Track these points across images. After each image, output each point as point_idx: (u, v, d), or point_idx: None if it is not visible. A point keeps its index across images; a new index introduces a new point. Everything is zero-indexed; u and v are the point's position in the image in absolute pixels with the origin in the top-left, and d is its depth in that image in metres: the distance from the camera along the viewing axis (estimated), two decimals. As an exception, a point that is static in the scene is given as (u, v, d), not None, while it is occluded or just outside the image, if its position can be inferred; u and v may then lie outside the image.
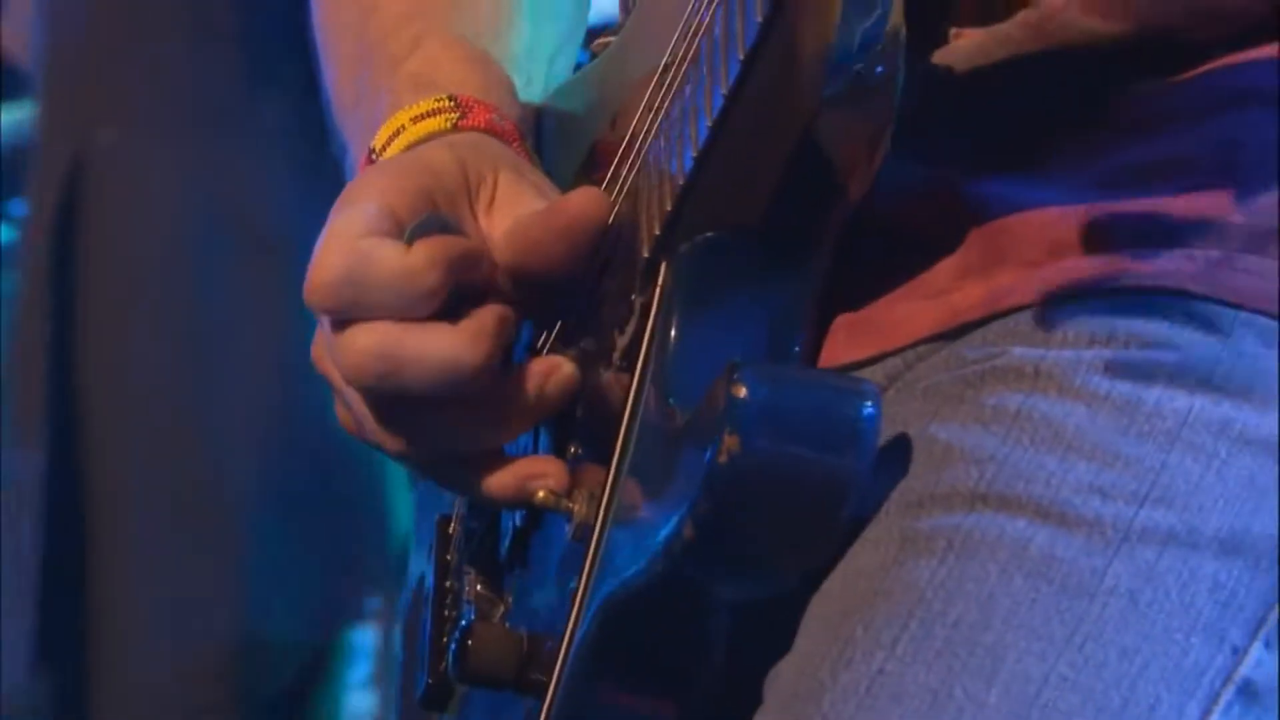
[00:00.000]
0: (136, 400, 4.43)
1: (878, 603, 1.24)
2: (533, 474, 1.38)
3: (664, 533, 1.23)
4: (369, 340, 1.33)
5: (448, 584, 1.55)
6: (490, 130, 1.46)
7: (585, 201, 1.38)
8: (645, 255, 1.35)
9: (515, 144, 1.47)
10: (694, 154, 1.29)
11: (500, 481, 1.38)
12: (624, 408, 1.32)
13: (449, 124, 1.45)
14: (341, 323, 1.35)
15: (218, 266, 4.36)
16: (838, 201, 1.30)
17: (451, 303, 1.35)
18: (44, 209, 4.45)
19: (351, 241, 1.34)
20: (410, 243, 1.33)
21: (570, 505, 1.36)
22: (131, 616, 4.43)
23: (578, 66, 1.68)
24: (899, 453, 1.28)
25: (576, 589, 1.33)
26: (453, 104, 1.46)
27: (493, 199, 1.40)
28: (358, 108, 1.54)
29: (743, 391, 1.19)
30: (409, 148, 1.45)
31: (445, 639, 1.50)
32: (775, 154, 1.29)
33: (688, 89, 1.32)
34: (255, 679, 4.47)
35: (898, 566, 1.25)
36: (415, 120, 1.46)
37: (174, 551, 4.39)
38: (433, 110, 1.46)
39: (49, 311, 4.43)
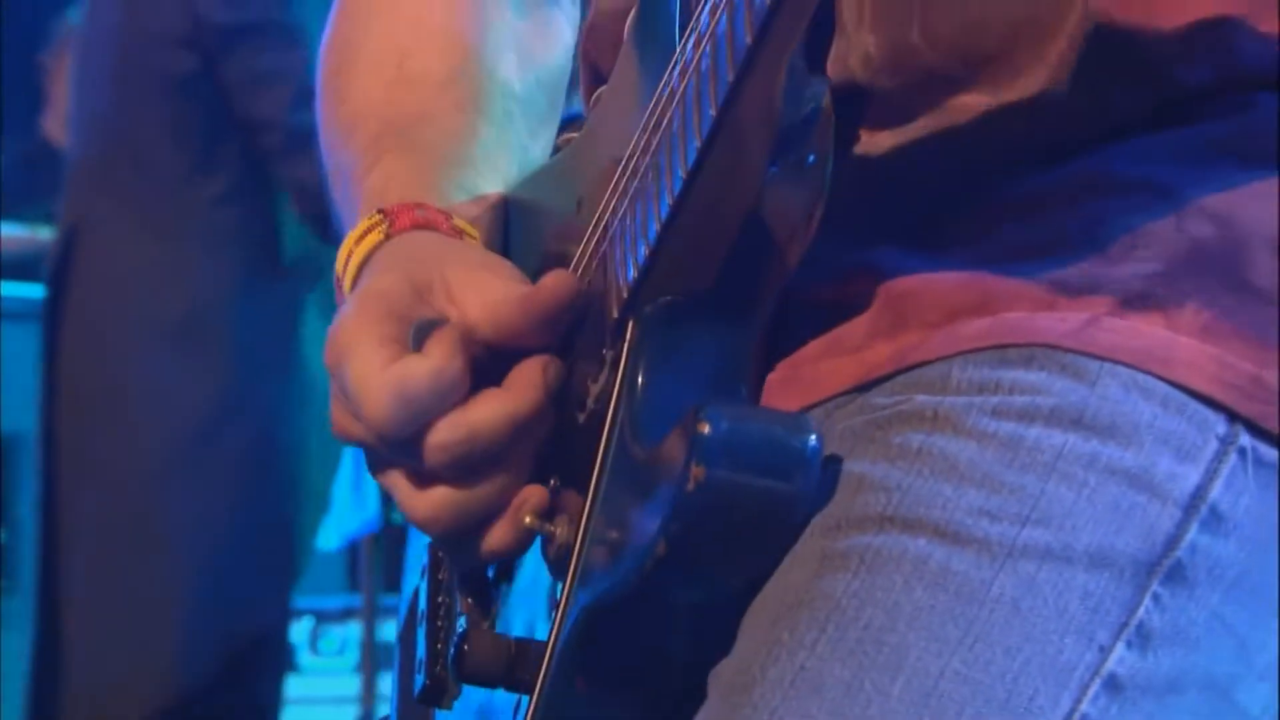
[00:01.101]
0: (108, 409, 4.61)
1: (801, 610, 1.26)
2: (520, 501, 1.40)
3: (638, 549, 1.27)
4: (443, 435, 1.36)
5: (440, 599, 1.55)
6: (416, 226, 1.48)
7: (557, 285, 1.40)
8: (615, 315, 1.37)
9: (444, 228, 1.49)
10: (657, 229, 1.32)
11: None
12: (598, 446, 1.35)
13: (382, 235, 1.47)
14: (417, 436, 1.37)
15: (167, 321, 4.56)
16: (778, 268, 1.31)
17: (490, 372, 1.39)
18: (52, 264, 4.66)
19: (380, 377, 1.36)
20: (419, 349, 1.36)
21: (552, 529, 1.39)
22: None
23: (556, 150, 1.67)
24: (830, 488, 1.30)
25: (559, 600, 1.36)
26: (381, 217, 1.48)
27: (449, 293, 1.41)
28: (342, 205, 1.58)
29: (706, 428, 1.22)
30: (360, 268, 1.47)
31: (440, 645, 1.51)
32: (726, 229, 1.31)
33: (650, 175, 1.34)
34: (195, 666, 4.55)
35: (818, 579, 1.27)
36: (357, 241, 1.48)
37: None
38: (368, 228, 1.48)
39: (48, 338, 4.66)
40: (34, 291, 5.43)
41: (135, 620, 4.52)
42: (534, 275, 1.49)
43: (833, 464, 1.31)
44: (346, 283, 1.49)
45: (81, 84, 4.78)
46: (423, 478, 1.39)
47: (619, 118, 1.46)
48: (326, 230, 4.42)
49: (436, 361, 1.36)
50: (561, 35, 1.72)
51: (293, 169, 4.34)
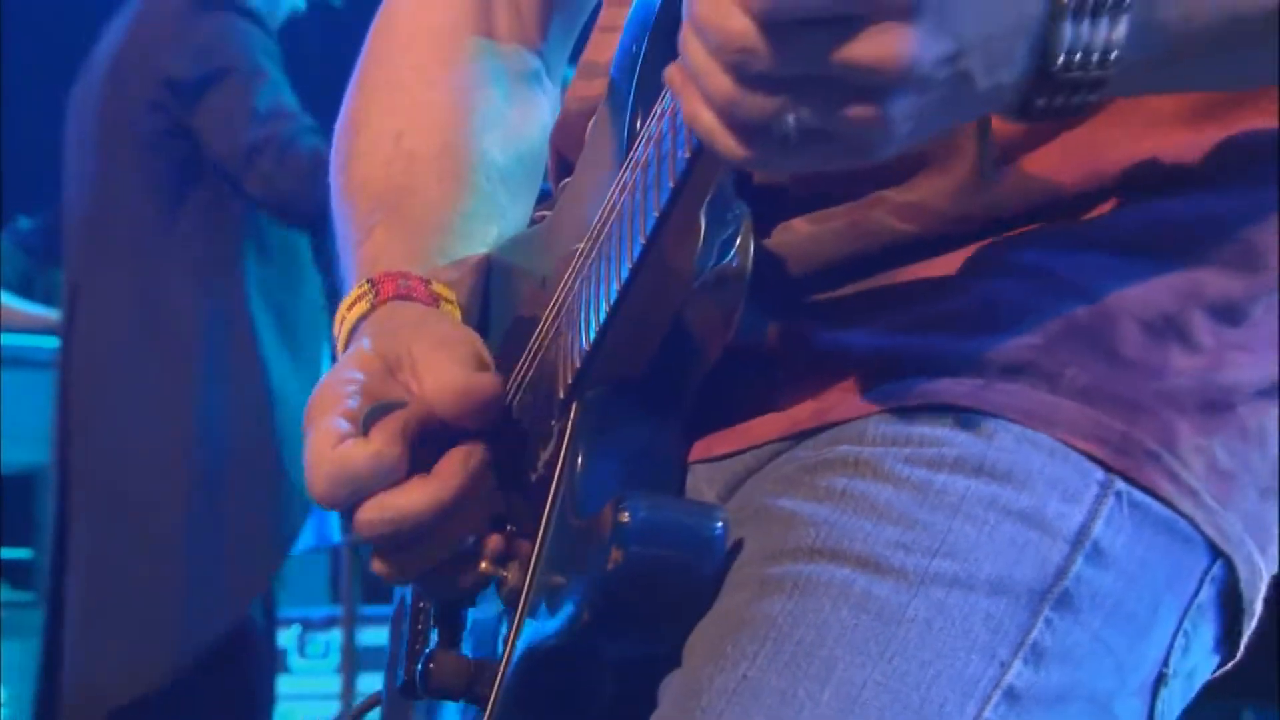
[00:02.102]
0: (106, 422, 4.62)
1: (743, 628, 1.26)
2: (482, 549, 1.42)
3: (568, 613, 1.30)
4: (373, 513, 1.38)
5: (421, 604, 1.56)
6: (397, 296, 1.49)
7: (485, 386, 1.42)
8: (561, 396, 1.39)
9: (422, 296, 1.50)
10: (596, 330, 1.35)
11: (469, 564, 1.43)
12: (545, 503, 1.37)
13: (369, 304, 1.49)
14: (350, 510, 1.39)
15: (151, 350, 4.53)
16: (700, 362, 1.34)
17: (424, 449, 1.40)
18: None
19: (329, 454, 1.38)
20: (367, 432, 1.38)
21: (504, 573, 1.41)
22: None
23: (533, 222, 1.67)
24: (759, 521, 1.32)
25: (508, 635, 1.38)
26: (369, 286, 1.50)
27: (414, 369, 1.42)
28: (347, 265, 1.58)
29: (625, 517, 1.25)
30: (350, 334, 1.49)
31: (418, 648, 1.52)
32: (656, 331, 1.33)
33: (594, 285, 1.36)
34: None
35: (758, 602, 1.27)
36: (349, 308, 1.50)
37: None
38: (357, 297, 1.50)
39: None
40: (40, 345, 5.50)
41: (130, 615, 4.52)
42: (508, 333, 1.52)
43: (767, 503, 1.32)
44: (340, 345, 1.51)
45: (71, 150, 4.78)
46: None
47: (578, 211, 1.47)
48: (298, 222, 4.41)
49: (376, 447, 1.37)
50: (541, 114, 1.72)
51: (257, 181, 4.41)
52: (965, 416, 1.32)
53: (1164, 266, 1.37)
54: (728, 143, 1.14)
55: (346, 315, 1.50)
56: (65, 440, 4.63)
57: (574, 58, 1.68)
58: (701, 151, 1.20)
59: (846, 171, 1.33)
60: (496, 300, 1.57)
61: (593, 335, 1.35)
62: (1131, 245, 1.37)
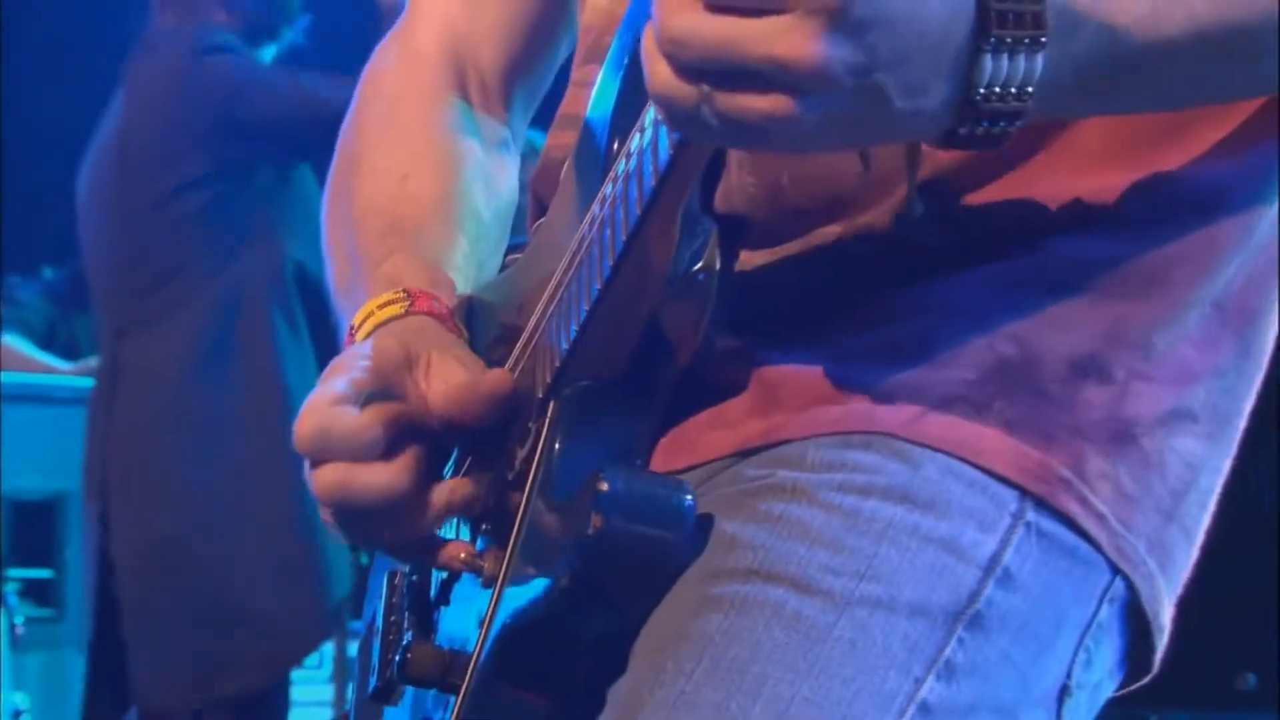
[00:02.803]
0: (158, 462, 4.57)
1: (683, 644, 1.26)
2: (451, 552, 1.42)
3: (545, 586, 1.29)
4: (330, 475, 1.38)
5: (392, 618, 1.56)
6: (429, 313, 1.49)
7: (497, 380, 1.41)
8: (540, 395, 1.38)
9: (447, 323, 1.50)
10: (577, 329, 1.34)
11: (434, 556, 1.43)
12: (521, 499, 1.36)
13: (402, 309, 1.49)
14: (315, 462, 1.40)
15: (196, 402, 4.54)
16: (671, 364, 1.33)
17: (400, 442, 1.39)
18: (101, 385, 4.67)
19: (323, 408, 1.39)
20: (362, 408, 1.39)
21: (481, 564, 1.40)
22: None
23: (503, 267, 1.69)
24: (701, 541, 1.31)
25: (484, 619, 1.36)
26: (405, 295, 1.50)
27: (428, 369, 1.42)
28: (348, 295, 1.56)
29: (605, 486, 1.24)
30: (376, 327, 1.50)
31: (390, 655, 1.52)
32: (632, 332, 1.33)
33: (574, 286, 1.36)
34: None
35: (697, 619, 1.27)
36: (380, 307, 1.50)
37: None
38: (391, 300, 1.50)
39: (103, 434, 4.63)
40: (79, 382, 5.46)
41: (177, 623, 4.53)
42: (486, 362, 1.51)
43: (705, 522, 1.31)
44: (360, 334, 1.51)
45: (100, 207, 4.75)
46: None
47: (554, 241, 1.47)
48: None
49: (361, 421, 1.38)
50: (511, 178, 1.73)
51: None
52: (898, 446, 1.32)
53: (1087, 306, 1.36)
54: (671, 126, 1.17)
55: (376, 312, 1.50)
56: (107, 464, 4.62)
57: (548, 115, 1.69)
58: (678, 155, 1.22)
59: (799, 208, 1.35)
60: (476, 333, 1.56)
61: (572, 335, 1.35)
62: (1060, 285, 1.36)
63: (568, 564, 1.27)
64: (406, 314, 1.49)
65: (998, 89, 1.13)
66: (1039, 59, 1.12)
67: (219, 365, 4.56)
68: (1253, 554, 2.66)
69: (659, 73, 1.13)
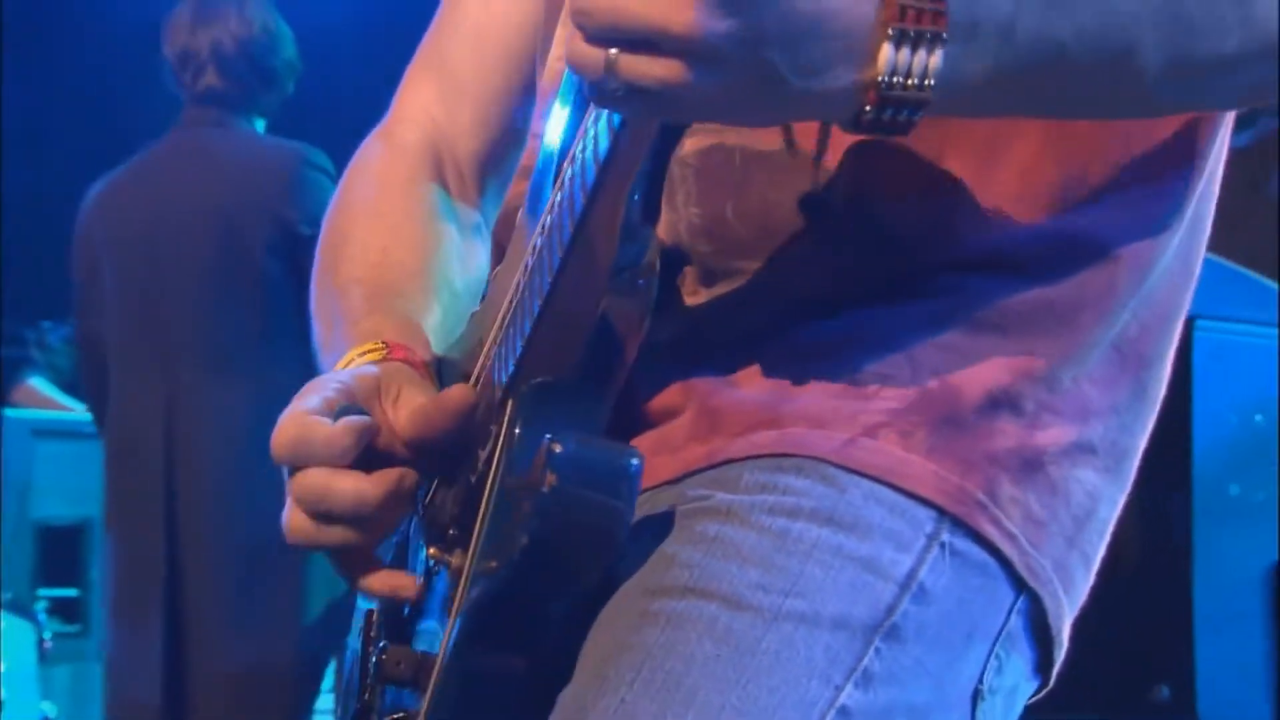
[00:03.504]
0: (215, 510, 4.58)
1: (623, 655, 1.26)
2: (398, 584, 1.43)
3: (509, 547, 1.26)
4: (309, 480, 1.37)
5: (370, 650, 1.55)
6: (405, 361, 1.48)
7: (459, 393, 1.41)
8: (499, 397, 1.38)
9: (420, 371, 1.49)
10: (529, 330, 1.35)
11: (381, 580, 1.43)
12: (484, 493, 1.35)
13: (381, 356, 1.48)
14: (293, 469, 1.39)
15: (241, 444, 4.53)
16: (620, 359, 1.31)
17: (373, 462, 1.38)
18: (147, 427, 4.66)
19: (300, 418, 1.38)
20: (335, 419, 1.37)
21: (449, 559, 1.39)
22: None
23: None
24: (642, 558, 1.31)
25: (452, 602, 1.35)
26: (384, 345, 1.49)
27: (397, 399, 1.42)
28: (330, 351, 1.56)
29: (558, 447, 1.23)
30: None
31: (367, 679, 1.51)
32: (580, 329, 1.31)
33: (526, 295, 1.37)
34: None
35: (636, 632, 1.27)
36: (361, 354, 1.49)
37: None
38: (372, 349, 1.49)
39: (161, 461, 4.62)
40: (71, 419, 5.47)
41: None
42: None
43: (649, 538, 1.32)
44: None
45: (135, 267, 4.74)
46: (294, 504, 1.40)
47: (507, 275, 1.48)
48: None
49: (334, 431, 1.36)
50: (481, 259, 1.72)
51: None
52: (826, 471, 1.32)
53: (1001, 341, 1.37)
54: (587, 94, 1.18)
55: (356, 359, 1.49)
56: (173, 495, 4.62)
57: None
58: (609, 159, 1.24)
59: (740, 239, 1.36)
60: (445, 382, 1.55)
61: (526, 337, 1.35)
62: (977, 322, 1.36)
63: (524, 526, 1.25)
64: (385, 359, 1.49)
65: (899, 78, 1.12)
66: (939, 54, 1.12)
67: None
68: (1166, 581, 2.67)
69: (572, 42, 1.14)
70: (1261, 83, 1.26)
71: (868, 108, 1.14)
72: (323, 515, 1.39)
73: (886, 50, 1.12)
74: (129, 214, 4.73)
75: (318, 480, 1.38)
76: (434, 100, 1.74)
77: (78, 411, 5.88)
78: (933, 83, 1.13)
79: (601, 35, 1.12)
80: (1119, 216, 1.39)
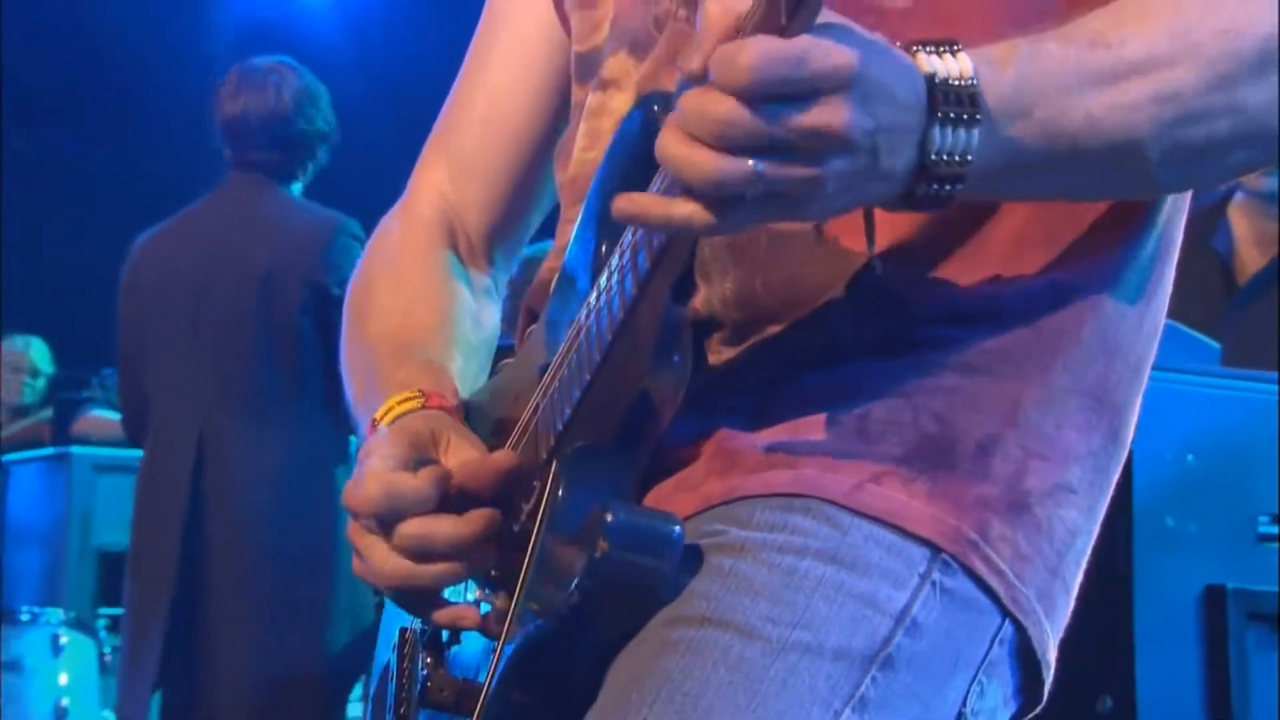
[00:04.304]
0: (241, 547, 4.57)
1: (645, 679, 1.26)
2: (460, 614, 1.42)
3: (559, 600, 1.27)
4: (410, 529, 1.37)
5: (405, 664, 1.53)
6: (441, 409, 1.48)
7: (503, 456, 1.41)
8: (544, 457, 1.38)
9: (454, 416, 1.49)
10: (576, 401, 1.35)
11: (447, 614, 1.43)
12: (528, 543, 1.35)
13: (419, 405, 1.48)
14: (385, 524, 1.38)
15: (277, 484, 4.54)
16: (655, 426, 1.32)
17: (442, 505, 1.38)
18: (177, 463, 4.62)
19: (383, 477, 1.38)
20: (416, 472, 1.38)
21: (494, 599, 1.39)
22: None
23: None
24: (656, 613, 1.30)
25: (496, 646, 1.35)
26: (420, 394, 1.48)
27: (447, 447, 1.42)
28: (365, 402, 1.55)
29: (609, 516, 1.24)
30: (397, 418, 1.48)
31: (404, 694, 1.50)
32: (621, 401, 1.32)
33: (570, 370, 1.37)
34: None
35: (657, 659, 1.27)
36: (400, 403, 1.48)
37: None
38: (410, 397, 1.48)
39: (186, 496, 4.61)
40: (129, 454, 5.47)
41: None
42: (488, 448, 1.48)
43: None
44: (384, 424, 1.50)
45: (178, 317, 4.75)
46: (391, 551, 1.39)
47: (545, 340, 1.48)
48: None
49: (419, 482, 1.37)
50: (492, 318, 1.73)
51: None
52: (831, 513, 1.32)
53: (992, 388, 1.37)
54: (704, 217, 1.15)
55: (396, 407, 1.49)
56: (201, 530, 4.63)
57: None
58: (661, 256, 1.24)
59: (767, 307, 1.36)
60: (475, 429, 1.54)
61: (574, 403, 1.35)
62: (971, 369, 1.37)
63: (578, 584, 1.26)
64: (423, 407, 1.49)
65: (944, 156, 1.16)
66: (975, 132, 1.16)
67: (317, 457, 4.60)
68: (1111, 603, 2.68)
69: (705, 158, 1.12)
70: (1249, 162, 1.29)
71: (919, 183, 1.17)
72: (424, 556, 1.38)
73: (934, 132, 1.15)
74: (173, 265, 4.73)
75: (422, 527, 1.37)
76: (445, 178, 1.74)
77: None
78: (971, 159, 1.16)
79: (751, 144, 1.11)
80: (1090, 275, 1.40)
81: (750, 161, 1.11)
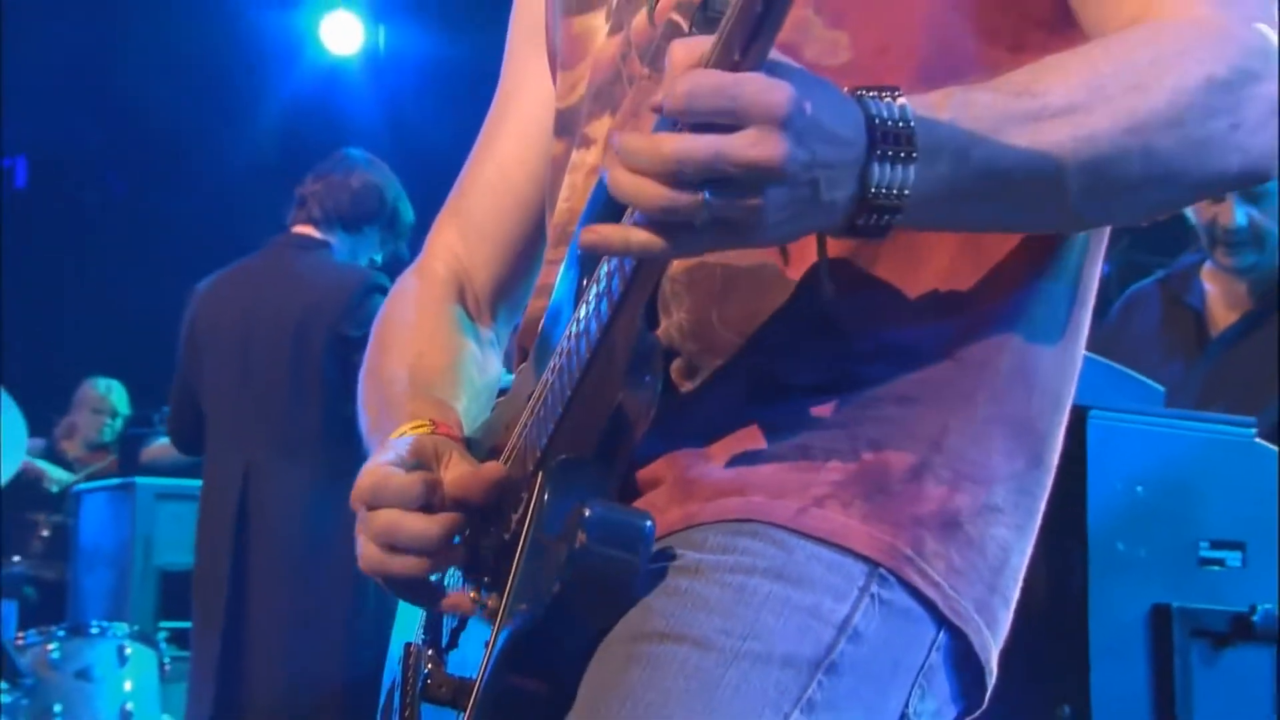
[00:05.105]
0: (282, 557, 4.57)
1: (613, 691, 1.26)
2: (459, 598, 1.43)
3: (543, 594, 1.27)
4: (382, 518, 1.38)
5: (409, 673, 1.54)
6: (447, 436, 1.48)
7: (493, 468, 1.41)
8: (530, 469, 1.38)
9: (457, 442, 1.48)
10: (558, 416, 1.36)
11: (444, 600, 1.44)
12: (518, 546, 1.35)
13: (429, 431, 1.48)
14: (371, 508, 1.39)
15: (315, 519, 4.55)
16: (630, 439, 1.32)
17: (436, 507, 1.39)
18: (227, 493, 4.64)
19: (380, 468, 1.40)
20: (408, 471, 1.39)
21: (486, 601, 1.39)
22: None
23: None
24: (629, 608, 1.31)
25: (489, 639, 1.35)
26: (431, 423, 1.49)
27: (447, 464, 1.42)
28: (379, 431, 1.55)
29: (587, 511, 1.25)
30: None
31: (408, 697, 1.50)
32: (598, 418, 1.33)
33: (554, 390, 1.37)
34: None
35: (624, 671, 1.27)
36: (413, 429, 1.48)
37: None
38: (420, 424, 1.49)
39: (234, 520, 4.63)
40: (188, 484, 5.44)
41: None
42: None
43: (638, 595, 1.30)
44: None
45: (224, 356, 4.77)
46: (368, 540, 1.40)
47: (532, 371, 1.48)
48: None
49: (406, 479, 1.38)
50: (495, 364, 1.73)
51: None
52: (777, 535, 1.32)
53: (923, 416, 1.36)
54: (657, 243, 1.15)
55: (409, 431, 1.49)
56: (247, 554, 4.64)
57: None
58: (633, 280, 1.24)
59: (722, 339, 1.36)
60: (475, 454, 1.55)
61: (556, 418, 1.35)
62: (902, 400, 1.36)
63: (559, 574, 1.25)
64: (432, 433, 1.49)
65: (883, 189, 1.15)
66: (912, 169, 1.15)
67: (342, 487, 4.58)
68: (1069, 619, 2.67)
69: (655, 191, 1.13)
70: (1167, 202, 1.29)
71: (859, 214, 1.16)
72: (391, 547, 1.38)
73: (874, 168, 1.14)
74: (226, 310, 4.79)
75: (390, 518, 1.37)
76: (457, 241, 1.75)
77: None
78: (909, 193, 1.15)
79: (698, 178, 1.11)
80: (1007, 313, 1.39)
81: (696, 195, 1.12)
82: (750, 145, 1.10)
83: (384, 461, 1.40)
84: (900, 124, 1.15)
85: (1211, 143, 1.24)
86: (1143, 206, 1.30)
